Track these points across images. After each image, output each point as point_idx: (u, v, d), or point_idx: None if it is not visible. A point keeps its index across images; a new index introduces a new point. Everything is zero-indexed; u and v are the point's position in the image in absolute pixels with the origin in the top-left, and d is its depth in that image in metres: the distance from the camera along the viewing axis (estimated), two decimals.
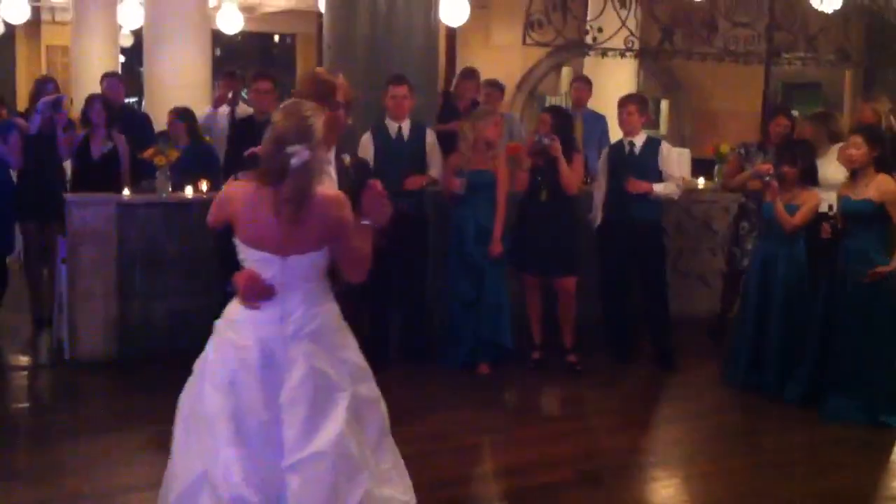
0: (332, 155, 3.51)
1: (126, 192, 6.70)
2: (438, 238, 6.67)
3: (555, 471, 4.88)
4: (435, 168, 6.57)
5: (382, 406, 3.49)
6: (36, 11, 15.14)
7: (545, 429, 5.60)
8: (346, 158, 3.46)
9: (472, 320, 6.48)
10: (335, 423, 3.21)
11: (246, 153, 6.30)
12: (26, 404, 6.04)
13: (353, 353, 3.40)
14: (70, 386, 6.23)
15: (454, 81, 8.37)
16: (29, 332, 7.29)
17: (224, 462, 3.19)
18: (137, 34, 12.61)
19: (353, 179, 3.40)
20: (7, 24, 16.96)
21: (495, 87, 8.16)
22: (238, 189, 3.32)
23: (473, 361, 6.46)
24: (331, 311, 3.35)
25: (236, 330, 3.29)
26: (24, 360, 6.81)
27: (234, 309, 3.31)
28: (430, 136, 6.62)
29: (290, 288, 3.24)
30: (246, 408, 3.21)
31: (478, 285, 6.46)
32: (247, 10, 14.72)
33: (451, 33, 11.55)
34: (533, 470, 4.93)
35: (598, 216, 6.80)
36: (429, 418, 5.58)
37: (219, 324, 3.37)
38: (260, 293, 3.22)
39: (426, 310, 6.68)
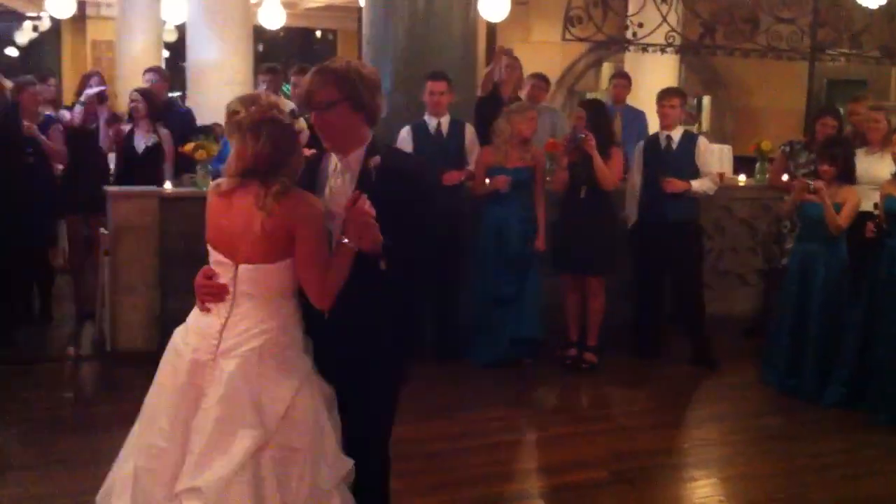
0: (352, 158, 3.11)
1: (168, 185, 6.77)
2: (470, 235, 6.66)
3: (588, 470, 4.86)
4: (474, 164, 6.57)
5: (327, 466, 2.99)
6: (81, 6, 15.34)
7: (578, 428, 5.57)
8: (373, 161, 3.03)
9: (508, 318, 6.48)
10: (226, 462, 2.83)
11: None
12: (69, 394, 6.13)
13: (287, 392, 2.93)
14: (111, 377, 6.33)
15: (498, 70, 8.34)
16: (73, 323, 7.41)
17: (122, 478, 3.04)
18: (181, 29, 12.72)
19: (375, 184, 2.98)
20: (53, 19, 17.25)
21: (541, 79, 8.14)
22: (215, 185, 3.09)
23: (506, 359, 6.46)
24: (280, 336, 2.97)
25: (183, 335, 3.08)
26: (67, 350, 6.91)
27: (193, 311, 3.11)
28: (470, 132, 6.63)
29: (237, 299, 2.97)
30: (159, 424, 2.98)
31: (515, 283, 6.46)
32: (288, 5, 14.77)
33: (491, 29, 11.51)
34: (565, 469, 4.92)
35: (632, 214, 6.76)
36: (460, 416, 5.59)
37: (180, 326, 3.14)
38: (209, 292, 3.00)
39: (459, 307, 6.68)
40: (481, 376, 6.33)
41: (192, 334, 3.04)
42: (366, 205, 2.86)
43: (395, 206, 2.93)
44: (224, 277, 2.99)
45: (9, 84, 7.27)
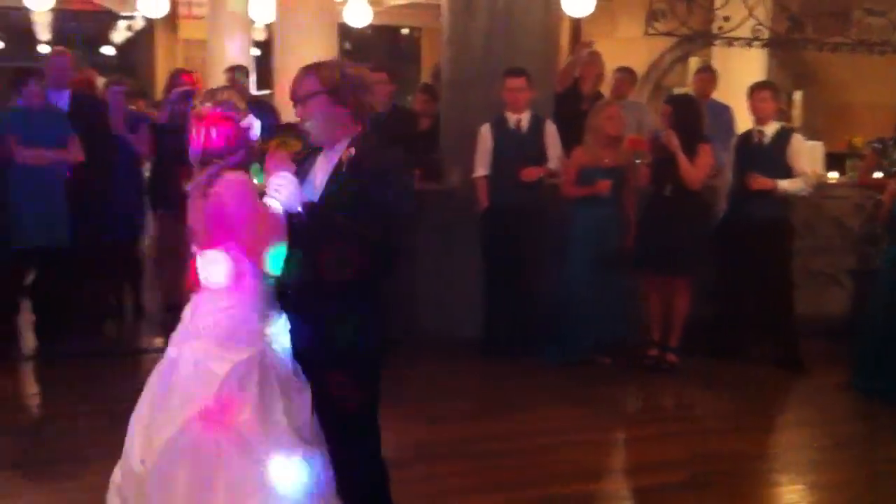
0: (335, 151, 3.16)
1: (254, 181, 6.86)
2: (553, 232, 6.61)
3: (666, 472, 4.76)
4: (554, 160, 6.52)
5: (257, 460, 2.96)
6: (173, 6, 15.69)
7: (657, 429, 5.49)
8: (346, 152, 3.10)
9: (593, 318, 6.42)
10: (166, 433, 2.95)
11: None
12: None
13: (223, 367, 2.99)
14: None
15: (576, 65, 8.27)
16: (161, 317, 7.58)
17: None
18: (270, 28, 12.93)
19: (345, 175, 3.06)
20: (146, 19, 17.71)
21: (627, 73, 8.04)
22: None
23: (586, 358, 6.39)
24: (228, 318, 3.04)
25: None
26: (156, 343, 7.06)
27: None
28: (550, 128, 6.58)
29: (201, 286, 3.11)
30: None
31: (600, 282, 6.38)
32: (375, 3, 14.90)
33: (576, 25, 11.43)
34: (643, 471, 4.85)
35: (719, 211, 6.62)
36: (534, 414, 5.56)
37: None
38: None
39: (539, 304, 6.64)
40: (556, 374, 6.28)
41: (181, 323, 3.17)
42: (277, 156, 3.03)
43: (360, 196, 3.00)
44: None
45: (101, 81, 7.49)
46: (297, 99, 3.15)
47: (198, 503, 2.90)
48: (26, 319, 6.74)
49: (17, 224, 6.08)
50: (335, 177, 3.06)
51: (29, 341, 6.64)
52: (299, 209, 2.98)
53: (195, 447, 2.92)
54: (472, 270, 6.72)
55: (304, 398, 3.09)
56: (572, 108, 7.52)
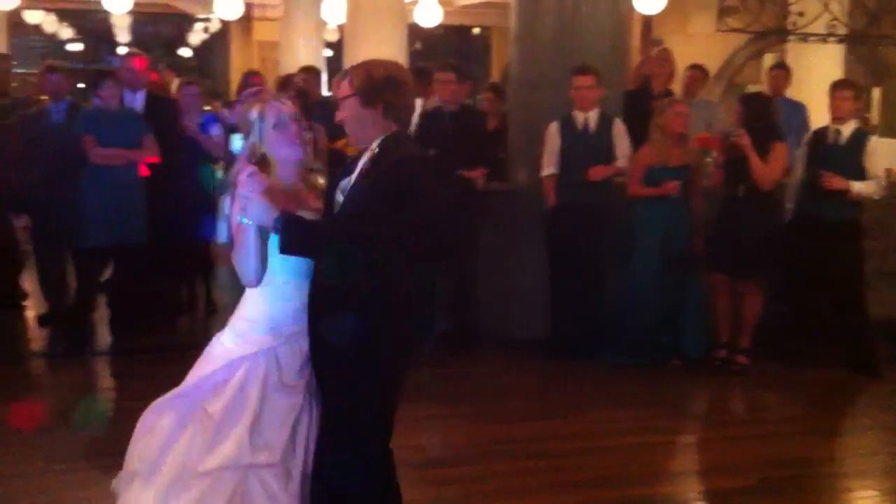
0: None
1: (320, 180, 6.94)
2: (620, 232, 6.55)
3: (734, 477, 4.67)
4: (622, 159, 6.46)
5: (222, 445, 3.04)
6: (248, 8, 15.96)
7: (725, 432, 5.40)
8: (370, 151, 3.11)
9: (658, 318, 6.35)
10: None
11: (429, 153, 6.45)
12: None
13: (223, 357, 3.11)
14: None
15: (647, 63, 8.19)
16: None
17: None
18: (343, 29, 13.06)
19: (366, 173, 3.06)
20: (222, 21, 18.04)
21: (698, 70, 7.94)
22: None
23: (653, 360, 6.33)
24: (244, 314, 3.14)
25: None
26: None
27: None
28: (619, 127, 6.52)
29: None
30: None
31: (668, 283, 6.32)
32: (445, 3, 14.94)
33: (647, 22, 11.31)
34: (709, 474, 4.79)
35: (789, 210, 6.49)
36: (598, 415, 5.52)
37: None
38: None
39: (605, 305, 6.58)
40: (623, 376, 6.20)
41: None
42: (245, 176, 2.95)
43: (370, 192, 3.00)
44: None
45: (176, 81, 7.64)
46: (336, 102, 3.22)
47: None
48: (102, 315, 6.91)
49: (92, 223, 6.24)
50: (359, 176, 3.08)
51: (104, 337, 6.82)
52: (272, 222, 2.93)
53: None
54: (538, 270, 6.69)
55: (290, 402, 3.10)
56: (643, 106, 7.44)
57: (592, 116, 6.45)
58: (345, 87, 3.13)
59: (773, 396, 6.10)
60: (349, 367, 3.02)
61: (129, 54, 7.19)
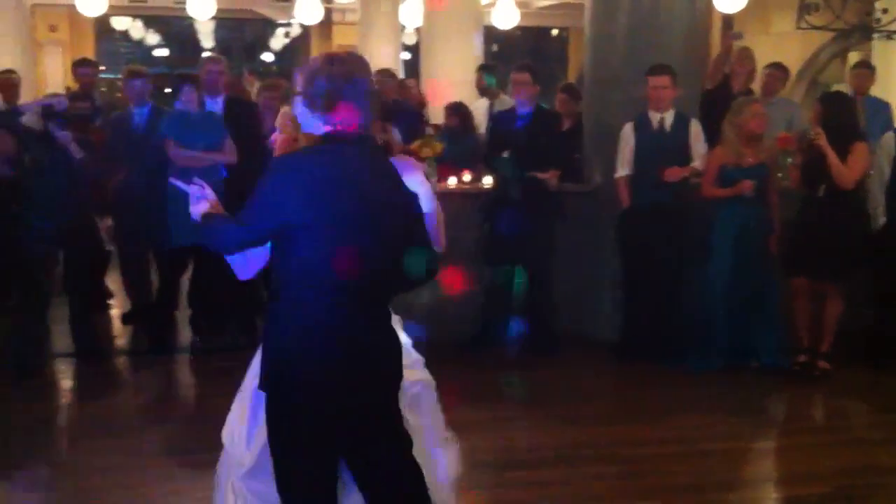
0: None
1: None
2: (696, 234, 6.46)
3: (810, 485, 4.57)
4: (698, 160, 6.37)
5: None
6: (328, 13, 16.15)
7: (804, 438, 5.28)
8: None
9: (734, 321, 6.24)
10: None
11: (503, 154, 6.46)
12: None
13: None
14: None
15: (725, 60, 8.06)
16: None
17: None
18: (420, 32, 13.16)
19: None
20: (303, 26, 18.29)
21: (778, 69, 7.79)
22: None
23: (731, 364, 6.22)
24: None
25: None
26: None
27: None
28: (695, 127, 6.43)
29: None
30: None
31: (745, 285, 6.21)
32: (522, 4, 14.92)
33: (727, 21, 11.12)
34: (786, 482, 4.70)
35: (876, 213, 6.31)
36: (676, 420, 5.45)
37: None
38: None
39: (680, 308, 6.49)
40: (700, 380, 6.11)
41: None
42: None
43: None
44: None
45: (256, 84, 7.78)
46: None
47: None
48: (184, 314, 7.07)
49: (174, 223, 6.39)
50: None
51: (185, 335, 6.98)
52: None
53: None
54: (612, 272, 6.65)
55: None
56: (722, 106, 7.32)
57: (668, 117, 6.38)
58: None
59: (855, 403, 5.96)
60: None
61: (208, 59, 7.34)
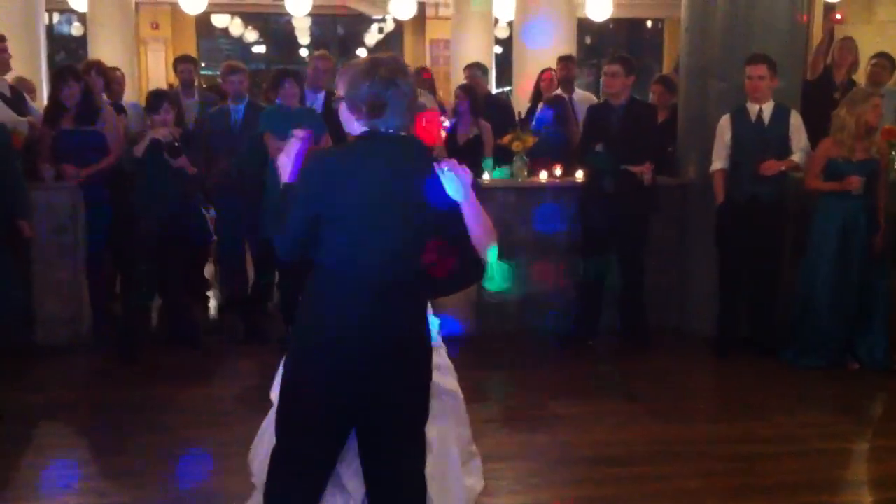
0: None
1: (486, 176, 7.02)
2: (795, 228, 6.30)
3: None
4: (798, 153, 6.21)
5: None
6: (421, 8, 16.26)
7: None
8: None
9: (836, 318, 6.08)
10: None
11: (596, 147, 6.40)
12: None
13: None
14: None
15: (826, 50, 7.84)
16: None
17: None
18: (512, 25, 13.12)
19: None
20: (396, 21, 18.44)
21: (884, 59, 7.55)
22: None
23: (831, 361, 6.06)
24: None
25: None
26: None
27: None
28: (795, 119, 6.26)
29: None
30: None
31: (848, 282, 6.04)
32: None
33: (829, 9, 10.81)
34: (884, 485, 4.53)
35: None
36: (775, 418, 5.33)
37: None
38: None
39: (778, 304, 6.34)
40: (799, 377, 5.98)
41: None
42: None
43: None
44: None
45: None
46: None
47: None
48: (277, 306, 7.20)
49: (268, 216, 6.50)
50: None
51: (280, 326, 7.10)
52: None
53: None
54: (708, 266, 6.53)
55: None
56: (823, 97, 7.13)
57: (767, 108, 6.22)
58: None
59: None
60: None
61: (316, 56, 7.43)
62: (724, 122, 6.30)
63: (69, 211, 6.42)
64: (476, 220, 2.92)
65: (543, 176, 6.88)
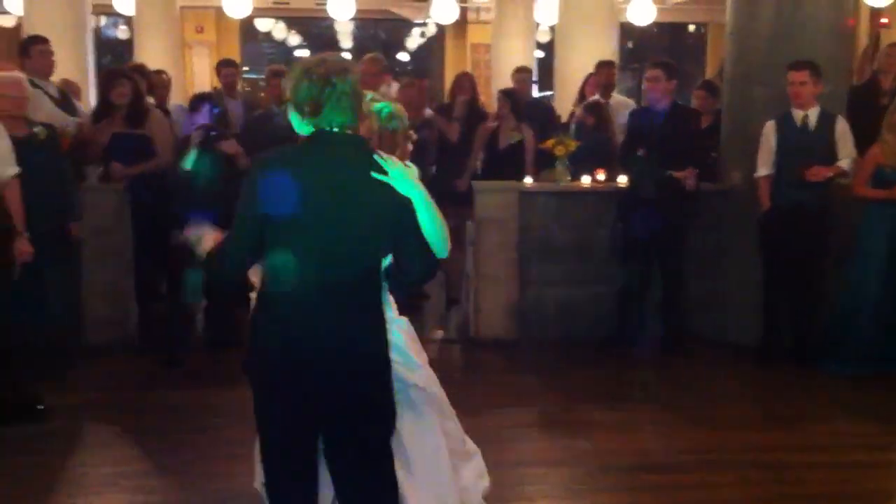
0: None
1: (528, 180, 7.03)
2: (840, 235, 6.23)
3: None
4: (844, 159, 6.14)
5: None
6: (463, 12, 16.26)
7: None
8: None
9: (883, 326, 6.00)
10: None
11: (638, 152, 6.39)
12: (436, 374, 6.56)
13: None
14: (472, 361, 6.68)
15: (879, 57, 7.75)
16: (442, 308, 7.91)
17: None
18: (554, 29, 13.09)
19: None
20: (438, 25, 18.49)
21: None
22: None
23: (878, 370, 5.98)
24: None
25: None
26: (436, 334, 7.36)
27: None
28: (841, 125, 6.19)
29: None
30: None
31: (894, 292, 5.96)
32: (659, 0, 14.67)
33: (876, 13, 10.67)
34: None
35: None
36: (815, 427, 5.30)
37: None
38: None
39: (823, 312, 6.27)
40: (845, 386, 5.91)
41: None
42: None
43: None
44: None
45: (393, 84, 7.91)
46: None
47: None
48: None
49: None
50: None
51: None
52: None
53: None
54: (750, 274, 6.48)
55: None
56: (870, 102, 7.05)
57: (812, 114, 6.16)
58: None
59: None
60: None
61: (368, 59, 7.47)
62: (769, 128, 6.25)
63: (115, 212, 6.53)
64: (427, 213, 2.91)
65: (585, 180, 6.87)
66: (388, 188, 2.84)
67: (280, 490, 3.03)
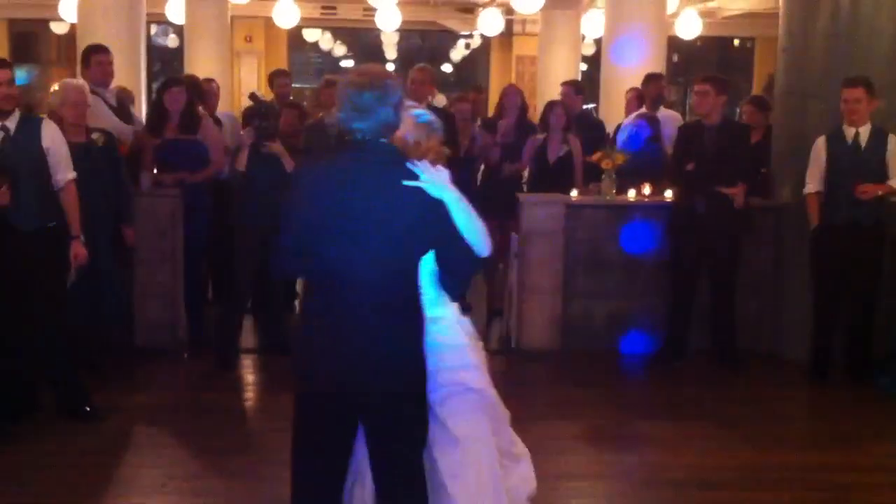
0: None
1: (574, 193, 7.03)
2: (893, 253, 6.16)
3: None
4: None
5: None
6: (508, 24, 16.30)
7: None
8: None
9: None
10: None
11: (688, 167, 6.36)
12: None
13: None
14: (515, 373, 6.63)
15: None
16: (483, 320, 7.91)
17: None
18: (599, 42, 13.09)
19: None
20: (483, 37, 18.54)
21: None
22: None
23: None
24: None
25: None
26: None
27: None
28: (893, 143, 6.11)
29: None
30: None
31: None
32: (706, 14, 14.61)
33: None
34: None
35: None
36: (873, 447, 5.22)
37: None
38: None
39: (875, 330, 6.20)
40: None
41: None
42: None
43: None
44: None
45: (437, 95, 7.94)
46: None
47: None
48: None
49: None
50: None
51: None
52: None
53: None
54: (803, 290, 6.42)
55: None
56: None
57: (864, 131, 6.09)
58: None
59: None
60: None
61: (417, 68, 7.53)
62: (820, 144, 6.20)
63: (169, 217, 6.61)
64: (462, 214, 3.02)
65: (632, 194, 6.86)
66: (420, 192, 2.95)
67: (302, 476, 3.31)
